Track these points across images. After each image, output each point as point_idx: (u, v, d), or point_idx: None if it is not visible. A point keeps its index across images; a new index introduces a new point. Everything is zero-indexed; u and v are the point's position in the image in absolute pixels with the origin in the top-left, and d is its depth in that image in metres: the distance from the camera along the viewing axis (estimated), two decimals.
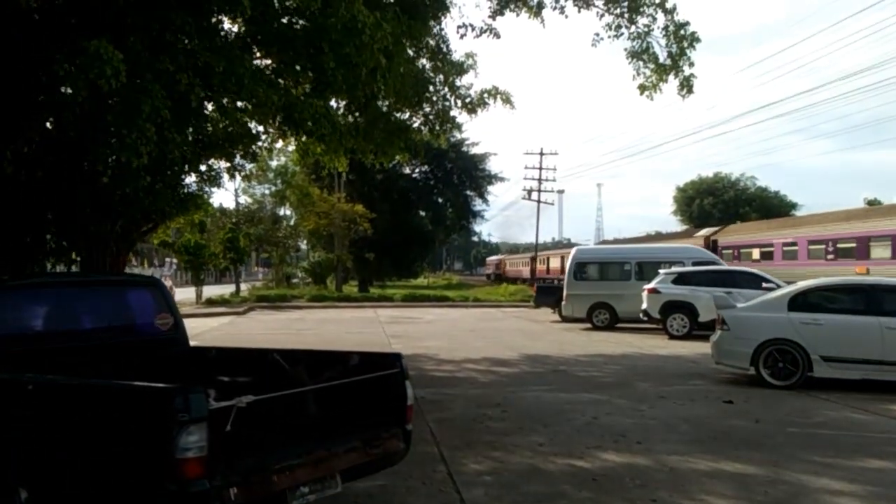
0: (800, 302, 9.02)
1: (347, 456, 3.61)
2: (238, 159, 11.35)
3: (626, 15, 11.86)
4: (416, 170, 45.08)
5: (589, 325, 17.69)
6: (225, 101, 8.49)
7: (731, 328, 9.21)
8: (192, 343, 5.24)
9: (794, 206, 57.93)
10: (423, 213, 46.79)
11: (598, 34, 12.24)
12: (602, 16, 12.02)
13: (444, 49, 12.15)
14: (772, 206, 55.12)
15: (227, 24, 8.43)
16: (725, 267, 18.45)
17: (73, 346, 4.49)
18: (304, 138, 10.01)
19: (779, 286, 12.66)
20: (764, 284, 13.87)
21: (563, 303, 18.37)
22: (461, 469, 5.29)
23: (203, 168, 11.10)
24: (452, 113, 12.55)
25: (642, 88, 12.07)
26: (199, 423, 2.87)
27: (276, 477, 3.21)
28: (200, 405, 2.90)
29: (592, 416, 7.15)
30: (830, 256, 21.97)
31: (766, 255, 24.99)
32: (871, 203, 45.09)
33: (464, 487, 4.85)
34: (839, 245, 21.94)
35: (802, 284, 9.57)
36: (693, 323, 14.98)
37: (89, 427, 3.23)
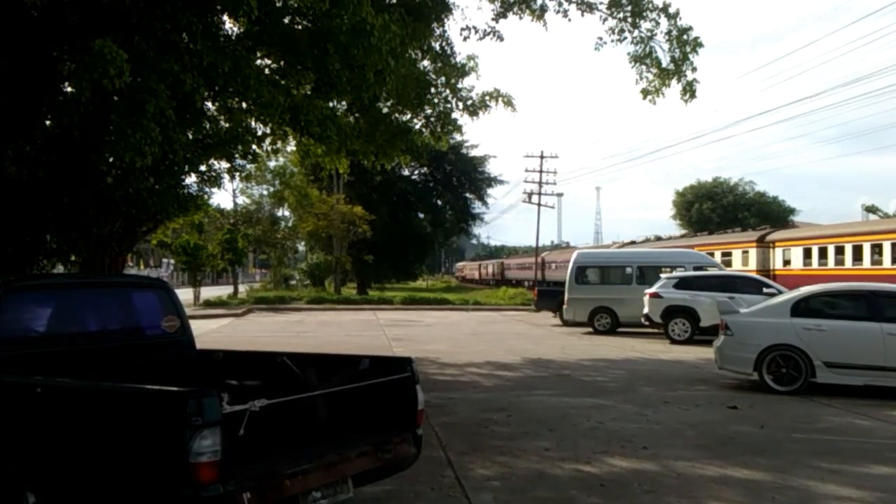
0: (802, 308, 9.02)
1: (359, 460, 3.59)
2: (238, 160, 11.32)
3: (629, 19, 11.86)
4: (416, 172, 45.15)
5: (590, 329, 17.66)
6: (229, 101, 8.46)
7: (734, 333, 9.20)
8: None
9: (791, 211, 58.12)
10: (422, 216, 46.85)
11: (601, 38, 12.25)
12: (605, 20, 12.04)
13: (448, 51, 12.14)
14: (770, 212, 55.23)
15: (228, 25, 8.40)
16: (727, 272, 18.44)
17: (79, 348, 4.45)
18: (305, 139, 9.98)
19: (780, 291, 12.68)
20: (765, 290, 13.88)
21: (565, 307, 18.34)
22: (469, 474, 5.27)
23: (203, 168, 11.07)
24: (454, 115, 12.55)
25: (645, 93, 12.08)
26: (212, 427, 2.84)
27: (288, 482, 3.18)
28: (214, 409, 2.87)
29: (598, 421, 7.13)
30: None
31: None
32: (869, 209, 45.28)
33: (472, 492, 4.83)
34: None
35: (805, 290, 9.57)
36: (694, 328, 14.96)
37: (99, 430, 3.20)
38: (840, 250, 21.70)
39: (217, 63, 6.86)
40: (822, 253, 22.68)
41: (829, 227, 25.24)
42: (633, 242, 40.76)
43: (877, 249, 20.18)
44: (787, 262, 24.33)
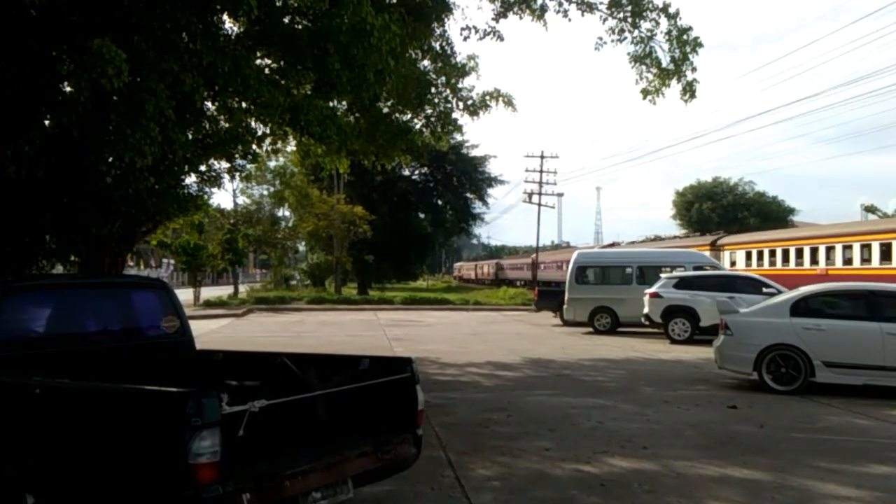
0: (802, 307, 9.02)
1: (359, 461, 3.58)
2: (238, 160, 11.31)
3: (629, 19, 11.85)
4: (416, 172, 45.15)
5: (590, 329, 17.66)
6: (229, 101, 8.45)
7: (734, 333, 9.20)
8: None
9: (791, 211, 58.05)
10: (422, 216, 46.89)
11: (601, 38, 12.24)
12: (605, 20, 12.01)
13: (448, 51, 12.13)
14: (770, 212, 55.21)
15: (228, 25, 8.40)
16: (727, 272, 18.43)
17: (79, 348, 4.45)
18: (305, 139, 9.97)
19: (779, 291, 12.67)
20: (764, 289, 13.88)
21: (565, 307, 18.35)
22: (469, 474, 5.27)
23: (203, 168, 11.06)
24: (454, 115, 12.54)
25: (645, 93, 12.07)
26: (212, 427, 2.83)
27: (288, 482, 3.18)
28: (214, 410, 2.86)
29: (598, 421, 7.13)
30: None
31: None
32: (869, 209, 45.30)
33: (472, 493, 4.83)
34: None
35: (805, 290, 9.57)
36: (694, 327, 14.97)
37: (98, 431, 3.19)
38: (773, 253, 26.17)
39: (217, 63, 6.84)
40: (760, 256, 26.92)
41: (767, 233, 29.68)
42: (616, 244, 44.60)
43: (799, 253, 24.50)
44: (733, 263, 28.26)
